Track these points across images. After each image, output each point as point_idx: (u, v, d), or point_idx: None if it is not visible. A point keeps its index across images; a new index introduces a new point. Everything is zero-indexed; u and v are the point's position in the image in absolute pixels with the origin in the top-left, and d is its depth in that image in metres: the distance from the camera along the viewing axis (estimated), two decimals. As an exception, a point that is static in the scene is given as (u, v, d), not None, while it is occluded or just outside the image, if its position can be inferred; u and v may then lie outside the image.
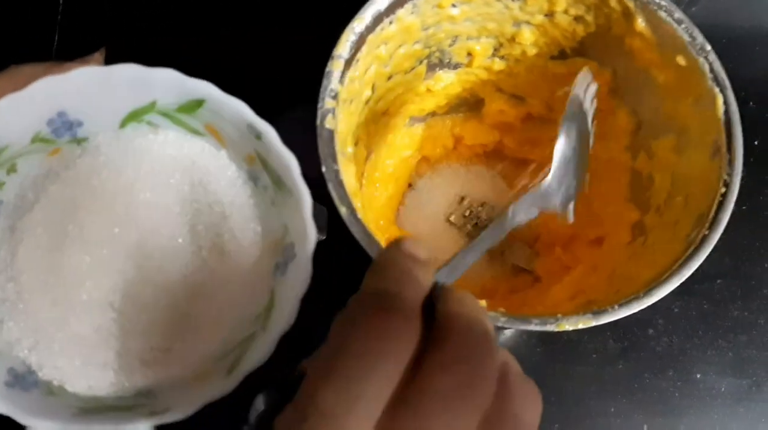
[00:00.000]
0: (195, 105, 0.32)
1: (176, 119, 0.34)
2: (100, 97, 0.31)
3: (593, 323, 0.38)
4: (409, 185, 0.57)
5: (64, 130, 0.32)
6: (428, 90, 0.52)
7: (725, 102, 0.41)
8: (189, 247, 0.34)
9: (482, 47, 0.49)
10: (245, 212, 0.35)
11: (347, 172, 0.40)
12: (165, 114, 0.33)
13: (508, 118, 0.54)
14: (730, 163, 0.40)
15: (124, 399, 0.32)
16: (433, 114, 0.55)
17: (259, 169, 0.34)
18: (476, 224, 0.56)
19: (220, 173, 0.35)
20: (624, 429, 0.55)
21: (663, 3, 0.42)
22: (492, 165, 0.58)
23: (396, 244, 0.26)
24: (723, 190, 0.39)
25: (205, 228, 0.34)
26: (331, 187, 0.38)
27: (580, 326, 0.37)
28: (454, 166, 0.58)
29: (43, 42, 0.62)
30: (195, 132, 0.34)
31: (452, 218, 0.56)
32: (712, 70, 0.41)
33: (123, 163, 0.33)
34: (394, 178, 0.55)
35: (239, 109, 0.32)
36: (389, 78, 0.48)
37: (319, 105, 0.40)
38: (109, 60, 0.58)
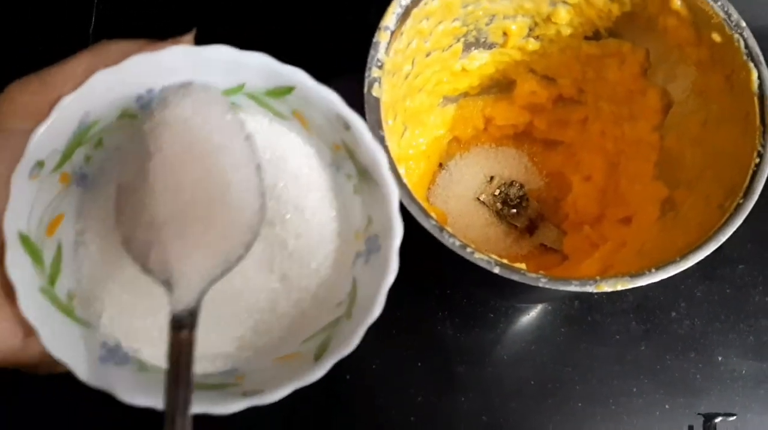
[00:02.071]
0: (284, 91, 0.32)
1: (263, 102, 0.33)
2: (189, 76, 0.31)
3: (630, 286, 0.39)
4: (440, 165, 0.58)
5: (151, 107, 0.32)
6: (463, 69, 0.53)
7: (759, 77, 0.42)
8: (263, 227, 0.33)
9: (518, 27, 0.51)
10: (323, 198, 0.35)
11: (391, 141, 0.42)
12: (252, 96, 0.33)
13: (539, 100, 0.55)
14: (764, 134, 0.41)
15: (212, 376, 0.32)
16: (465, 94, 0.57)
17: (344, 157, 0.34)
18: (505, 202, 0.57)
19: (301, 158, 0.35)
20: (645, 409, 0.56)
21: (699, -19, 0.44)
22: (522, 146, 0.59)
23: None
24: (757, 160, 0.41)
25: (279, 207, 0.34)
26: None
27: (619, 287, 0.38)
28: (484, 147, 0.59)
29: (80, 24, 0.63)
30: (280, 116, 0.34)
31: (482, 197, 0.57)
32: (746, 45, 0.42)
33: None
34: (426, 157, 0.56)
35: (329, 98, 0.31)
36: (428, 54, 0.49)
37: (367, 74, 0.41)
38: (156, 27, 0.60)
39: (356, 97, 0.42)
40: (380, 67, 0.42)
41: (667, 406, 0.56)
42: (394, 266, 0.31)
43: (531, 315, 0.58)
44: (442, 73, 0.52)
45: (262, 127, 0.34)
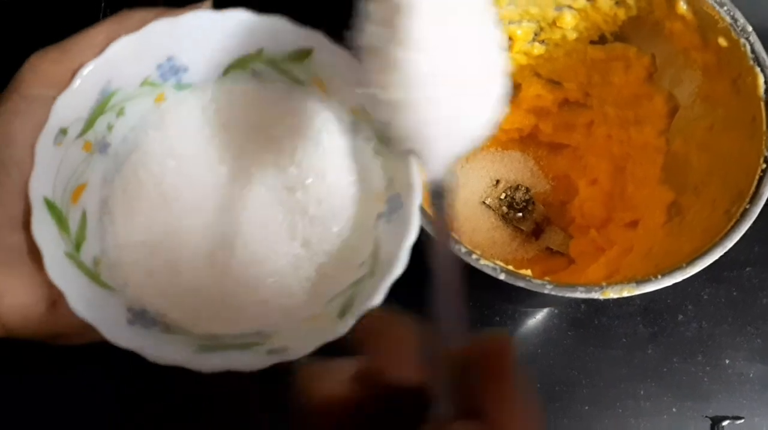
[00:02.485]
0: (303, 55, 0.32)
1: (281, 68, 0.34)
2: (209, 42, 0.32)
3: (637, 292, 0.39)
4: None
5: (170, 75, 0.33)
6: (468, 73, 0.53)
7: (766, 81, 0.42)
8: (284, 193, 0.34)
9: (523, 31, 0.51)
10: (343, 163, 0.35)
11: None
12: (271, 62, 0.33)
13: (545, 103, 0.55)
14: (772, 139, 0.41)
15: (239, 337, 0.32)
16: (470, 99, 0.56)
17: (363, 120, 0.34)
18: (511, 206, 0.57)
19: (320, 123, 0.35)
20: (653, 412, 0.56)
21: (705, -15, 0.43)
22: (527, 149, 0.59)
23: None
24: (764, 165, 0.40)
25: (300, 173, 0.35)
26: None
27: (625, 293, 0.38)
28: (489, 150, 0.59)
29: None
30: (299, 82, 0.34)
31: (488, 201, 0.57)
32: (753, 50, 0.42)
33: (223, 113, 0.34)
34: (432, 161, 0.56)
35: (349, 60, 0.31)
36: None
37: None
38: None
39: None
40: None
41: (674, 409, 0.56)
42: (415, 223, 0.31)
43: (537, 318, 0.58)
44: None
45: (281, 94, 0.34)
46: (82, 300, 0.28)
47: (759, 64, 0.42)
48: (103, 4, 0.62)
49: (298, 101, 0.35)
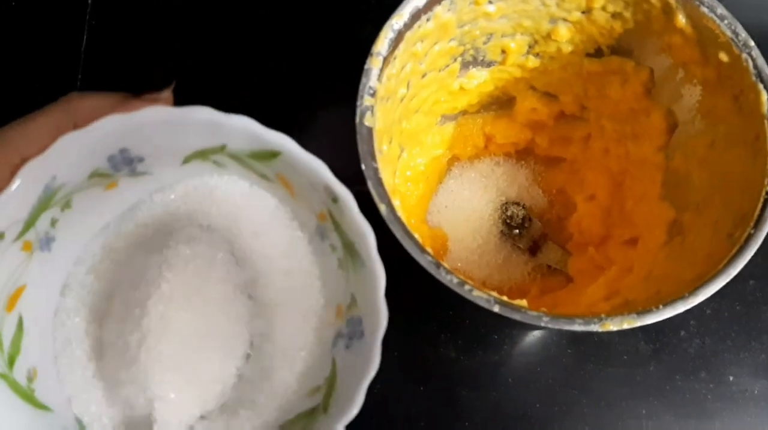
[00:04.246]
0: (269, 155, 0.30)
1: (245, 163, 0.32)
2: (167, 136, 0.29)
3: (638, 324, 0.37)
4: (440, 183, 0.57)
5: (124, 165, 0.30)
6: (461, 88, 0.51)
7: (770, 98, 0.40)
8: (241, 296, 0.33)
9: (517, 45, 0.49)
10: (305, 268, 0.34)
11: (385, 171, 0.40)
12: (234, 157, 0.31)
13: (540, 117, 0.54)
14: (776, 160, 0.39)
15: None
16: (464, 112, 0.55)
17: (329, 228, 0.32)
18: (507, 223, 0.56)
19: (282, 226, 0.34)
20: (656, 431, 0.55)
21: (705, -1, 0.42)
22: (523, 163, 0.57)
23: None
24: (768, 188, 0.39)
25: (257, 278, 0.33)
26: (370, 185, 0.38)
27: (625, 326, 0.37)
28: (484, 165, 0.57)
29: (67, 70, 0.62)
30: (264, 178, 0.32)
31: (483, 216, 0.56)
32: (755, 66, 0.40)
33: (182, 207, 0.32)
34: (425, 177, 0.54)
35: (317, 168, 0.29)
36: (424, 76, 0.47)
37: (359, 102, 0.40)
38: (142, 81, 0.59)
39: (348, 126, 0.40)
40: (372, 95, 0.40)
41: (677, 428, 0.55)
42: (376, 359, 0.29)
43: (536, 335, 0.57)
44: (439, 93, 0.51)
45: (243, 190, 0.33)
46: (12, 426, 0.28)
47: (762, 81, 0.40)
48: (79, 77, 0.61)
49: (259, 199, 0.33)
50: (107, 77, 0.61)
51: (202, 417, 0.32)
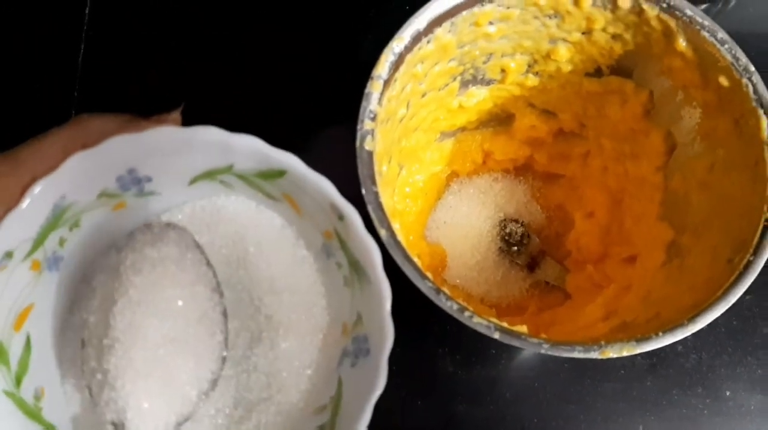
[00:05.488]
0: (275, 174, 0.31)
1: (252, 183, 0.32)
2: (175, 156, 0.30)
3: (637, 351, 0.37)
4: (438, 199, 0.57)
5: (132, 185, 0.31)
6: (460, 106, 0.51)
7: (770, 123, 0.40)
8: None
9: (516, 64, 0.49)
10: (311, 286, 0.34)
11: (384, 193, 0.40)
12: (241, 177, 0.32)
13: (539, 134, 0.54)
14: (776, 186, 0.39)
15: None
16: (462, 129, 0.55)
17: (335, 246, 0.32)
18: (505, 239, 0.56)
19: (288, 244, 0.34)
20: (652, 447, 0.55)
21: (706, 23, 0.42)
22: (522, 179, 0.57)
23: None
24: (768, 214, 0.39)
25: (262, 297, 0.33)
26: (370, 209, 0.38)
27: (625, 353, 0.37)
28: (483, 181, 0.57)
29: (64, 82, 0.61)
30: (270, 197, 0.33)
31: (481, 232, 0.56)
32: (756, 91, 0.41)
33: (188, 228, 0.32)
34: (423, 194, 0.54)
35: (323, 186, 0.30)
36: (423, 95, 0.47)
37: (359, 127, 0.40)
38: (141, 97, 0.58)
39: (348, 149, 0.40)
40: (373, 119, 0.40)
41: (674, 444, 0.55)
42: (383, 377, 0.29)
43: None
44: (438, 112, 0.51)
45: (249, 210, 0.33)
46: None
47: (762, 106, 0.40)
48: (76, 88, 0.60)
49: (268, 216, 0.33)
50: (104, 89, 0.61)
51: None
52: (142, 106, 0.32)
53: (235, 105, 0.59)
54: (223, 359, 0.31)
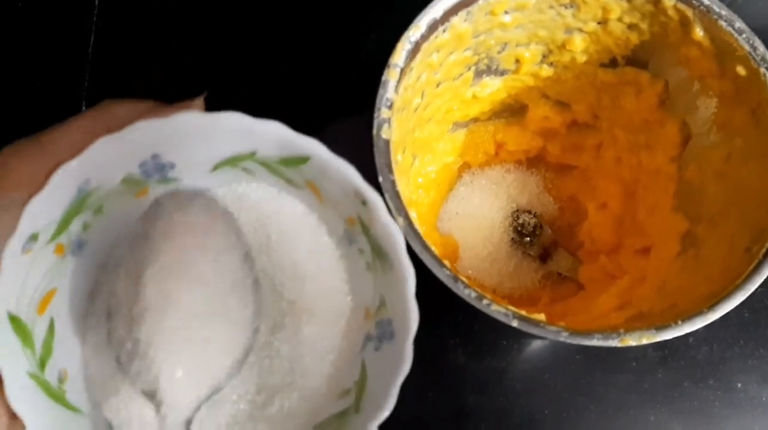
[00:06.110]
0: (298, 161, 0.31)
1: (275, 170, 0.32)
2: (198, 142, 0.30)
3: (657, 339, 0.37)
4: (450, 190, 0.57)
5: (155, 171, 0.30)
6: (474, 96, 0.51)
7: (788, 114, 0.40)
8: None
9: (531, 54, 0.49)
10: (333, 272, 0.34)
11: (400, 182, 0.40)
12: (264, 164, 0.32)
13: (553, 125, 0.53)
14: (794, 175, 0.39)
15: None
16: (475, 120, 0.55)
17: (358, 232, 0.32)
18: (517, 230, 0.55)
19: (310, 231, 0.34)
20: (663, 439, 0.55)
21: (723, 12, 0.41)
22: (535, 170, 0.57)
23: None
24: (787, 203, 0.39)
25: (284, 283, 0.33)
26: (387, 197, 0.38)
27: (644, 341, 0.37)
28: (495, 172, 0.57)
29: (75, 72, 0.61)
30: (293, 184, 0.33)
31: (494, 223, 0.56)
32: (774, 80, 0.40)
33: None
34: (436, 184, 0.54)
35: (347, 172, 0.30)
36: (438, 85, 0.47)
37: (376, 115, 0.39)
38: (151, 88, 0.58)
39: (353, 144, 0.40)
40: (390, 107, 0.40)
41: (685, 436, 0.55)
42: (408, 359, 0.29)
43: (544, 342, 0.57)
44: (452, 102, 0.50)
45: (271, 197, 0.33)
46: (43, 426, 0.28)
47: (780, 95, 0.40)
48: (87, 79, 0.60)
49: (290, 203, 0.33)
50: (115, 79, 0.61)
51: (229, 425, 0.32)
52: (153, 97, 0.32)
53: (235, 105, 0.59)
54: (256, 330, 0.31)
